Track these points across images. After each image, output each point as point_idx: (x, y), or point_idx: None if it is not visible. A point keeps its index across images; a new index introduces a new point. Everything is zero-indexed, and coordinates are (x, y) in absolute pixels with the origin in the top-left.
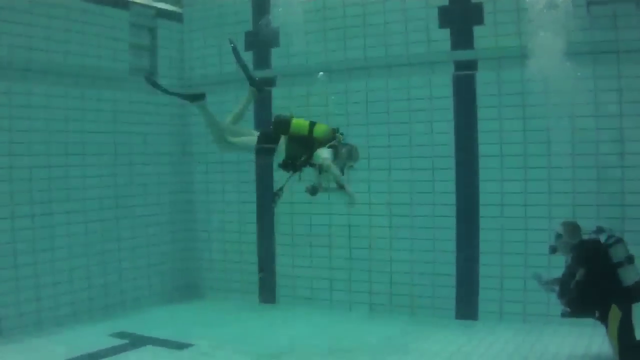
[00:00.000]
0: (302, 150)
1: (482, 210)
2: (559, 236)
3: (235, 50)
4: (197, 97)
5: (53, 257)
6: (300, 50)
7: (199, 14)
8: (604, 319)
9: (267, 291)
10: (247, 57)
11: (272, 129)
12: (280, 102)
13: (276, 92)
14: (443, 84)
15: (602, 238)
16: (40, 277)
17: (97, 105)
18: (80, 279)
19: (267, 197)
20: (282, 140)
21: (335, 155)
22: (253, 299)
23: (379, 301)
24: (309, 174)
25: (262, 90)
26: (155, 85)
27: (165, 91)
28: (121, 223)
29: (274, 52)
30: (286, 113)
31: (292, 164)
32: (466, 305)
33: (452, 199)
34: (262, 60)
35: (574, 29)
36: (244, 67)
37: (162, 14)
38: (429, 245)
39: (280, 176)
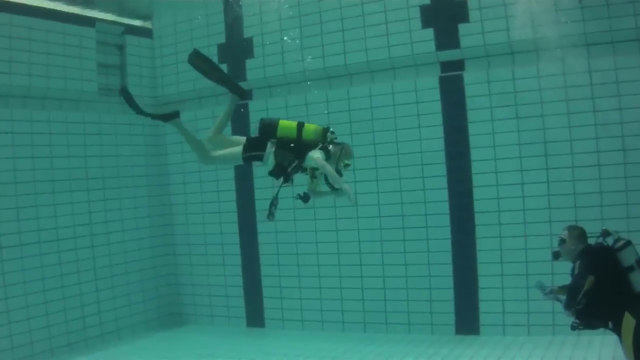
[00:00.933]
0: (292, 155)
1: (478, 218)
2: (562, 242)
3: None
4: (170, 116)
5: (25, 290)
6: (276, 60)
7: (169, 29)
8: (617, 328)
9: (255, 314)
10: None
11: (258, 134)
12: (258, 116)
13: (253, 106)
14: (429, 87)
15: (609, 242)
16: (12, 312)
17: (65, 129)
18: (56, 313)
19: (248, 217)
20: (270, 145)
21: (328, 156)
22: (240, 323)
23: (373, 320)
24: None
25: (244, 95)
26: (129, 102)
27: (139, 111)
28: (97, 251)
29: (249, 63)
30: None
31: (283, 171)
32: (466, 320)
33: (445, 207)
34: (237, 73)
35: (566, 20)
36: (221, 78)
37: (130, 30)
38: (424, 258)
39: (261, 194)
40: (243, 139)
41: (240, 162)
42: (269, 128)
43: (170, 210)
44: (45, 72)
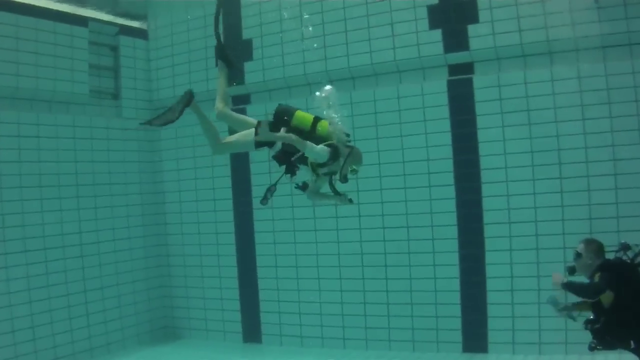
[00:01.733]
0: None
1: (488, 230)
2: (578, 256)
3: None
4: (188, 98)
5: (10, 302)
6: (276, 63)
7: (165, 30)
8: (638, 349)
9: (251, 329)
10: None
11: (272, 118)
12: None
13: (251, 110)
14: (437, 91)
15: (629, 256)
16: None
17: (55, 132)
18: (43, 326)
19: (246, 226)
20: (282, 131)
21: (334, 156)
22: (236, 339)
23: (376, 336)
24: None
25: (233, 64)
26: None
27: (166, 120)
28: (86, 261)
29: (247, 66)
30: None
31: (286, 159)
32: (474, 337)
33: (452, 219)
34: (235, 76)
35: (581, 21)
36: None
37: (125, 31)
38: (429, 272)
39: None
40: (254, 120)
41: (252, 149)
42: (284, 115)
43: (164, 220)
44: (34, 73)
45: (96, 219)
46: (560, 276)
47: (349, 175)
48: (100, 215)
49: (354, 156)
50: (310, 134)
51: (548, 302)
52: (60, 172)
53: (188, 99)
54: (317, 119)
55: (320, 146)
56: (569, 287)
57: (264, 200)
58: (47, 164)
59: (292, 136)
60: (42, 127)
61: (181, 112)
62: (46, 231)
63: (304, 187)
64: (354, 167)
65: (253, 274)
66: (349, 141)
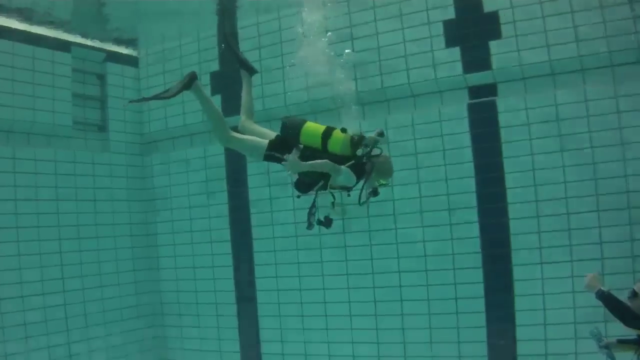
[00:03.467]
0: (316, 172)
1: (517, 272)
2: (634, 296)
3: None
4: (190, 82)
5: None
6: (276, 90)
7: (157, 56)
8: None
9: None
10: (215, 102)
11: (280, 134)
12: None
13: None
14: (456, 117)
15: None
16: None
17: (34, 167)
18: None
19: (245, 271)
20: (295, 152)
21: (360, 175)
22: None
23: None
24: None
25: (254, 71)
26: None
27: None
28: (70, 310)
29: None
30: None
31: (307, 186)
32: None
33: (477, 260)
34: (232, 105)
35: (616, 33)
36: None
37: (113, 57)
38: (452, 321)
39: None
40: (273, 134)
41: (261, 159)
42: (291, 131)
43: (157, 264)
44: (10, 102)
45: (81, 264)
46: (597, 280)
47: (380, 189)
48: (86, 259)
49: (380, 170)
50: (323, 153)
51: (591, 335)
52: (40, 212)
53: (189, 80)
54: (327, 134)
55: (347, 170)
56: (604, 298)
57: (310, 225)
58: (25, 203)
59: (325, 162)
60: (19, 161)
61: (178, 92)
62: (24, 277)
63: (327, 222)
64: (382, 181)
65: (253, 312)
66: (369, 152)
